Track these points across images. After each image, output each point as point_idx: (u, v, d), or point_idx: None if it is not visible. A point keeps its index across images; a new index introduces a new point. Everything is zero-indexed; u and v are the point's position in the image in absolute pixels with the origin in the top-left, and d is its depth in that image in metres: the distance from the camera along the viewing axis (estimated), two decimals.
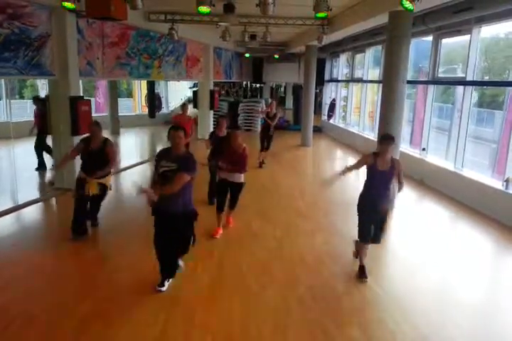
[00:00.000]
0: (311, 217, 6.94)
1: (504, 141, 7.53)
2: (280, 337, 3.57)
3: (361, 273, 4.70)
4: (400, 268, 5.22)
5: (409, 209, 7.58)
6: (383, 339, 3.64)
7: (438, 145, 10.02)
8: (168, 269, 4.23)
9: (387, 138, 4.62)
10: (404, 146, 9.85)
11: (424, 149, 9.77)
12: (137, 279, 4.52)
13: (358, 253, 4.87)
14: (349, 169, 4.68)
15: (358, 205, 4.72)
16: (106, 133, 15.60)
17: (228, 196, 5.86)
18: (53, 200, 7.59)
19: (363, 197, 4.71)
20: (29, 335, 3.52)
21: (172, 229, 4.03)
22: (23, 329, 3.59)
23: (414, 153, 10.12)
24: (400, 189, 4.69)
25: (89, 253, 5.25)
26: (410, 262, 5.27)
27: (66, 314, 3.82)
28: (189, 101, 20.98)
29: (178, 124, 8.05)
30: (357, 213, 4.72)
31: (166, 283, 4.23)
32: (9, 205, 6.83)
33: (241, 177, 5.78)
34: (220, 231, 5.84)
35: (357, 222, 4.71)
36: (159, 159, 4.08)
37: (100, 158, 5.43)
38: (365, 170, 4.65)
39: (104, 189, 5.61)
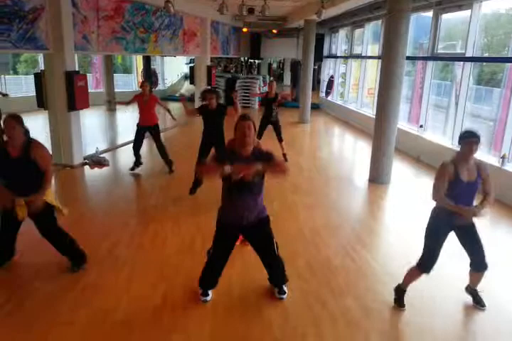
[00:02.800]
0: (308, 192, 7.02)
1: (502, 118, 7.53)
2: (280, 308, 3.69)
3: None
4: (395, 241, 5.31)
5: (405, 185, 7.65)
6: (378, 309, 3.76)
7: (436, 123, 10.02)
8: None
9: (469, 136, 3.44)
10: (402, 123, 9.86)
11: (421, 126, 9.78)
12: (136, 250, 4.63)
13: (405, 282, 3.82)
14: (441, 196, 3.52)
15: (430, 227, 3.67)
16: (102, 110, 15.64)
17: None
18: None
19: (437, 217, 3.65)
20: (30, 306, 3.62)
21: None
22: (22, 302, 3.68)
23: (412, 130, 10.13)
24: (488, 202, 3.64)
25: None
26: (405, 236, 5.36)
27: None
28: (186, 77, 20.78)
29: (141, 107, 7.85)
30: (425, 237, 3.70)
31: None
32: None
33: None
34: None
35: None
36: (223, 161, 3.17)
37: (25, 170, 3.72)
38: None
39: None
